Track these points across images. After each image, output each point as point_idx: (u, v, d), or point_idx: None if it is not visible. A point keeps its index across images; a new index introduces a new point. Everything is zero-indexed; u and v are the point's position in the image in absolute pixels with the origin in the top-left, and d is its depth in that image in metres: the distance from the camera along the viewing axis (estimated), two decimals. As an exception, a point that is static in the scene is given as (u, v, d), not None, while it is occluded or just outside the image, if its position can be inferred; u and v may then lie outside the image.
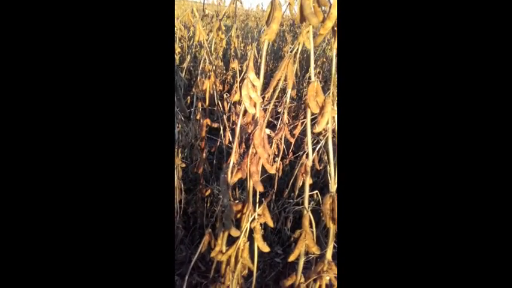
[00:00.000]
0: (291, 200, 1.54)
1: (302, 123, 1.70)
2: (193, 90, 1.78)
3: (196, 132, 1.49)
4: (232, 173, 0.73)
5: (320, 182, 1.80)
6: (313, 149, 1.66)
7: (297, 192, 1.53)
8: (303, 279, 0.79)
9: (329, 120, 0.62)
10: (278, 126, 1.40)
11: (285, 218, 1.44)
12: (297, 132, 1.63)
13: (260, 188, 0.71)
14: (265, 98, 1.62)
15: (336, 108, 0.61)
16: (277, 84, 0.64)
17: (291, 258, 0.75)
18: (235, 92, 1.30)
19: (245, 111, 0.63)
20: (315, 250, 0.73)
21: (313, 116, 0.63)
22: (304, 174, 0.68)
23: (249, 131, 0.63)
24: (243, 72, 0.59)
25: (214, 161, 1.82)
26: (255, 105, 0.63)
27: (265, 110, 0.85)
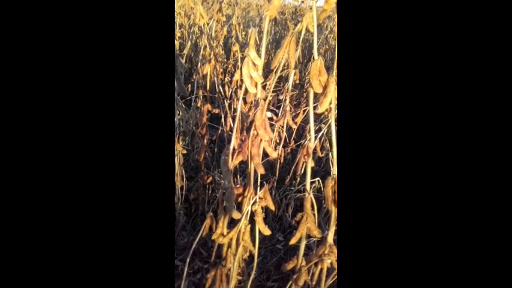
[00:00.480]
0: (293, 188, 1.53)
1: (304, 111, 1.68)
2: (194, 77, 1.76)
3: (197, 119, 1.48)
4: (233, 155, 0.72)
5: (322, 170, 1.79)
6: (315, 136, 1.65)
7: (298, 179, 1.52)
8: (304, 263, 0.79)
9: (332, 101, 0.60)
10: (280, 113, 1.39)
11: (287, 205, 1.44)
12: (298, 120, 1.62)
13: (261, 171, 0.70)
14: (267, 86, 1.60)
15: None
16: (279, 65, 0.62)
17: (292, 241, 0.74)
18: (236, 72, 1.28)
19: (246, 91, 0.62)
20: (317, 233, 0.73)
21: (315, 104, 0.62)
22: (306, 157, 0.67)
23: (250, 113, 0.62)
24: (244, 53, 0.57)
25: (216, 149, 1.81)
26: (256, 85, 0.62)
27: (266, 93, 0.83)
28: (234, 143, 0.68)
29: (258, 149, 0.69)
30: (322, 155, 1.48)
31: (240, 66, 1.34)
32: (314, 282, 0.81)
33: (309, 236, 0.76)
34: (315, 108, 0.59)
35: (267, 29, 0.57)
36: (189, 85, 1.88)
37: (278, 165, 1.51)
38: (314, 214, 0.71)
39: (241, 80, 0.64)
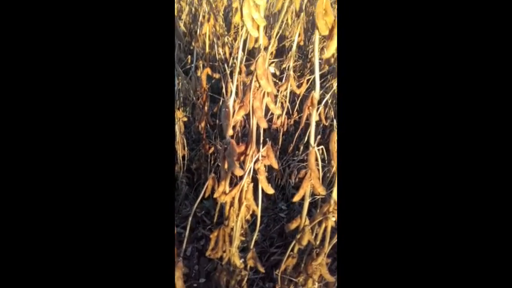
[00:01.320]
0: (295, 158, 1.51)
1: (308, 80, 1.63)
2: (193, 44, 1.69)
3: (197, 86, 1.44)
4: (234, 108, 0.69)
5: (325, 142, 1.76)
6: (319, 102, 1.61)
7: (301, 148, 1.50)
8: (307, 222, 0.78)
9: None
10: (284, 79, 1.34)
11: (289, 174, 1.42)
12: (302, 89, 1.57)
13: (264, 125, 0.67)
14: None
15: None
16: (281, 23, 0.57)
17: (296, 198, 0.72)
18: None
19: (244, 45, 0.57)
20: (321, 191, 0.71)
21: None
22: (310, 108, 0.64)
23: (253, 60, 0.58)
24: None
25: (217, 121, 1.78)
26: (258, 28, 0.57)
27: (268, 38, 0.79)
28: (234, 94, 0.65)
29: (260, 102, 0.66)
30: (327, 123, 1.45)
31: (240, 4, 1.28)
32: (318, 242, 0.80)
33: (313, 194, 0.74)
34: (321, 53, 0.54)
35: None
36: (189, 56, 1.82)
37: (281, 133, 1.48)
38: (318, 170, 0.69)
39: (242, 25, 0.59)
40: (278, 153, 1.51)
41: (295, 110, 1.67)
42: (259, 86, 0.64)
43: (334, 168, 0.66)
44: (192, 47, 1.61)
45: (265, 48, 0.60)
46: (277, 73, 1.20)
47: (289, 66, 1.41)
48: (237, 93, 0.70)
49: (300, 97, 1.64)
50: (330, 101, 1.54)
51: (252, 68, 0.59)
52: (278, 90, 1.40)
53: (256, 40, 0.59)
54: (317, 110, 0.66)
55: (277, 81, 1.46)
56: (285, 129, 1.48)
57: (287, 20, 1.86)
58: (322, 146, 0.93)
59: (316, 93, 0.63)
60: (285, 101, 1.52)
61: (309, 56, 2.01)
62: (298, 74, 2.05)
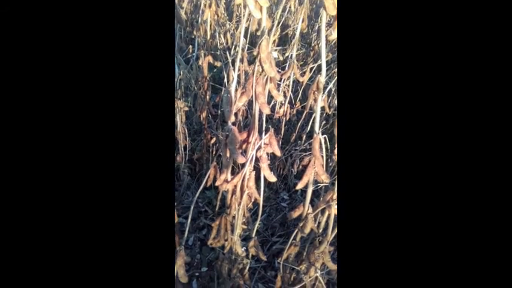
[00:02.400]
0: (298, 147, 1.50)
1: (311, 69, 1.61)
2: (194, 33, 1.66)
3: (198, 76, 1.42)
4: (236, 94, 0.67)
5: (328, 133, 1.75)
6: (324, 89, 1.59)
7: (304, 137, 1.48)
8: (310, 210, 0.77)
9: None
10: (287, 67, 1.31)
11: (291, 164, 1.41)
12: (305, 78, 1.54)
13: (267, 111, 0.65)
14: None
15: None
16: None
17: (299, 186, 0.71)
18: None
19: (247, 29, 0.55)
20: (325, 178, 0.70)
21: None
22: (316, 92, 0.62)
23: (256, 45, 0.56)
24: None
25: (219, 111, 1.76)
26: (260, 9, 0.55)
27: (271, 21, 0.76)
28: (236, 81, 0.63)
29: (263, 88, 0.64)
30: (331, 112, 1.43)
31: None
32: (321, 230, 0.79)
33: (316, 182, 0.73)
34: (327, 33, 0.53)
35: None
36: (190, 46, 1.79)
37: (283, 122, 1.46)
38: (322, 156, 0.68)
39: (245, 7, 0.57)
40: (280, 142, 1.50)
41: (298, 99, 1.65)
42: (262, 70, 0.62)
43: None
44: (193, 36, 1.58)
45: (269, 31, 0.58)
46: (281, 58, 1.18)
47: (292, 54, 1.39)
48: (239, 82, 0.69)
49: (303, 86, 1.61)
50: (333, 90, 1.52)
51: (255, 52, 0.57)
52: (281, 79, 1.38)
53: (259, 23, 0.57)
54: (322, 96, 0.65)
55: (279, 70, 1.43)
56: (287, 118, 1.46)
57: (290, 7, 1.82)
58: (325, 135, 0.91)
59: (322, 77, 0.61)
60: (288, 90, 1.50)
61: (312, 44, 1.97)
62: (301, 63, 2.02)
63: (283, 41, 2.15)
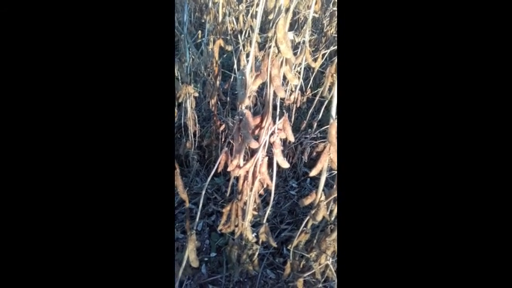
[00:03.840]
0: (308, 135, 1.48)
1: (323, 55, 1.57)
2: (204, 17, 1.63)
3: (207, 62, 1.39)
4: (251, 75, 0.65)
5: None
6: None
7: (315, 125, 1.46)
8: (323, 197, 0.76)
9: None
10: (299, 52, 1.28)
11: (301, 152, 1.39)
12: (317, 64, 1.50)
13: (282, 94, 0.63)
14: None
15: None
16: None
17: (313, 173, 0.70)
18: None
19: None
20: (339, 165, 0.68)
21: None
22: (334, 76, 0.60)
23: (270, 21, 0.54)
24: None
25: (228, 98, 1.74)
26: (279, -14, 0.52)
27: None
28: (252, 61, 0.61)
29: (278, 70, 0.62)
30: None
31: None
32: (333, 218, 0.78)
33: (331, 169, 0.71)
34: None
35: None
36: (199, 31, 1.76)
37: (294, 109, 1.44)
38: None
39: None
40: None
41: (309, 86, 1.61)
42: (279, 51, 0.60)
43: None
44: (203, 21, 1.55)
45: (287, 10, 0.55)
46: (296, 40, 1.14)
47: (304, 40, 1.35)
48: (253, 65, 0.67)
49: (314, 73, 1.58)
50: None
51: (270, 33, 0.55)
52: (293, 65, 1.34)
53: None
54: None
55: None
56: (297, 105, 1.43)
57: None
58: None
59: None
60: (299, 78, 1.46)
61: (324, 30, 1.92)
62: (313, 49, 1.97)
63: (295, 27, 2.10)
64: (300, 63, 1.27)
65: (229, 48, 1.31)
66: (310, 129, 1.54)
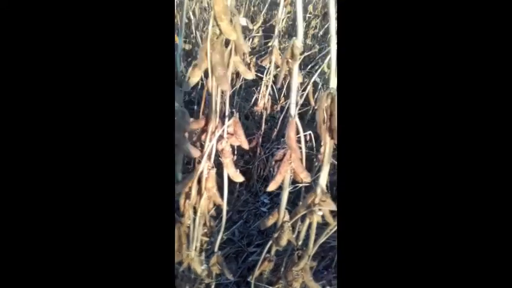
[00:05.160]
0: (279, 146, 1.35)
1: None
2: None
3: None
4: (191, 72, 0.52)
5: (314, 131, 1.61)
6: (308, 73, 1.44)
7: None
8: (287, 217, 0.62)
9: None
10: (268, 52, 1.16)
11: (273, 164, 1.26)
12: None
13: (226, 87, 0.50)
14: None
15: None
16: None
17: (271, 187, 0.56)
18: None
19: None
20: (304, 176, 0.54)
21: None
22: (290, 61, 0.47)
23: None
24: None
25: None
26: None
27: None
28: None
29: (221, 55, 0.48)
30: (316, 106, 1.29)
31: None
32: (300, 242, 0.64)
33: (294, 182, 0.57)
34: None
35: None
36: (202, 21, 1.58)
37: (264, 116, 1.31)
38: (301, 149, 0.52)
39: None
40: (261, 140, 1.35)
41: (282, 95, 1.50)
42: (220, 32, 0.47)
43: (329, 146, 0.50)
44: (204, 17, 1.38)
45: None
46: (250, 27, 1.02)
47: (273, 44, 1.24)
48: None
49: (288, 80, 1.47)
50: (320, 84, 1.38)
51: (205, 2, 0.42)
52: (263, 73, 1.23)
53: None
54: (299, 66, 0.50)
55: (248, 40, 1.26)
56: (268, 113, 1.31)
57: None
58: (310, 132, 0.77)
59: (298, 41, 0.46)
60: (268, 85, 1.35)
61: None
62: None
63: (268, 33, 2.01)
64: (269, 73, 1.15)
65: (187, 47, 1.17)
66: (282, 139, 1.41)
